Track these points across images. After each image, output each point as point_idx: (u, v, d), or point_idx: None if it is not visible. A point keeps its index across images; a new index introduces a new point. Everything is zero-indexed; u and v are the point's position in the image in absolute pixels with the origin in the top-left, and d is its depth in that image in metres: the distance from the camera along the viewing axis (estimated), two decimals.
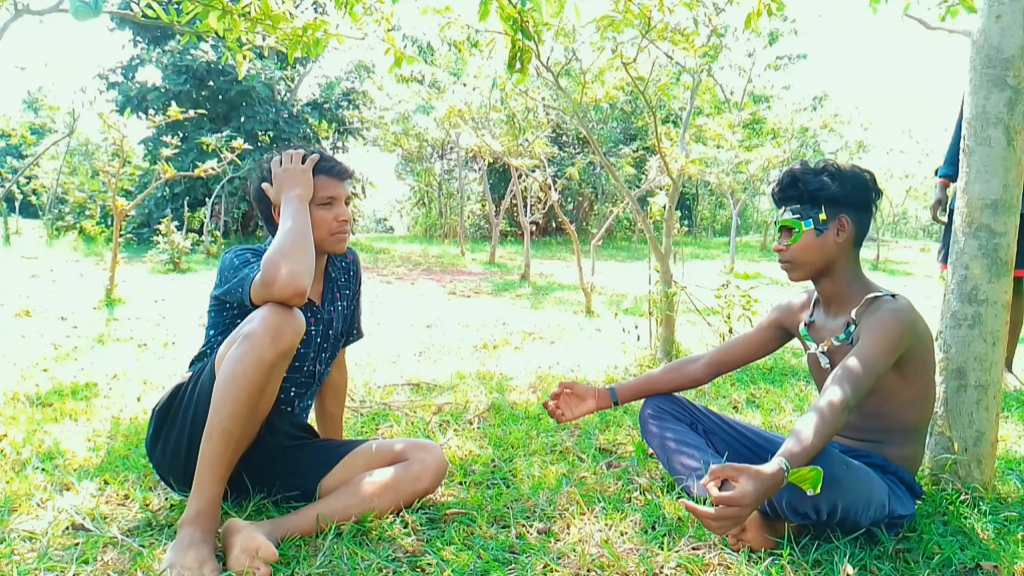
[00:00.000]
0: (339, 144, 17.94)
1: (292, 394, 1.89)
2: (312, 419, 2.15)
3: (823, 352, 1.85)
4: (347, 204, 1.86)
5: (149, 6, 3.12)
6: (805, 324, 1.93)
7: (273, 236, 1.79)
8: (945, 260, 3.42)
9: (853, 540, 1.63)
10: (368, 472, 1.75)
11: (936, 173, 3.54)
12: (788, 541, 1.61)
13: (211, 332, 1.84)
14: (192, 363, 1.85)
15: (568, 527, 1.71)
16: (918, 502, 1.77)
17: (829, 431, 1.50)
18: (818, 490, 1.43)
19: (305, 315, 1.81)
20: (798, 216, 1.79)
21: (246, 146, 7.55)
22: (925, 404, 1.78)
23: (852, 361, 1.61)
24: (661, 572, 1.51)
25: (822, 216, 1.77)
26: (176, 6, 3.11)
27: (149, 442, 1.78)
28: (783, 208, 1.83)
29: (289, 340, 1.57)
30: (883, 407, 1.74)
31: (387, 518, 1.70)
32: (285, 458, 1.82)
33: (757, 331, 2.07)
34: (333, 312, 1.95)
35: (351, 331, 2.09)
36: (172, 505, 1.81)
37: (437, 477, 1.80)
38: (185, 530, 1.50)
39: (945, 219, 3.43)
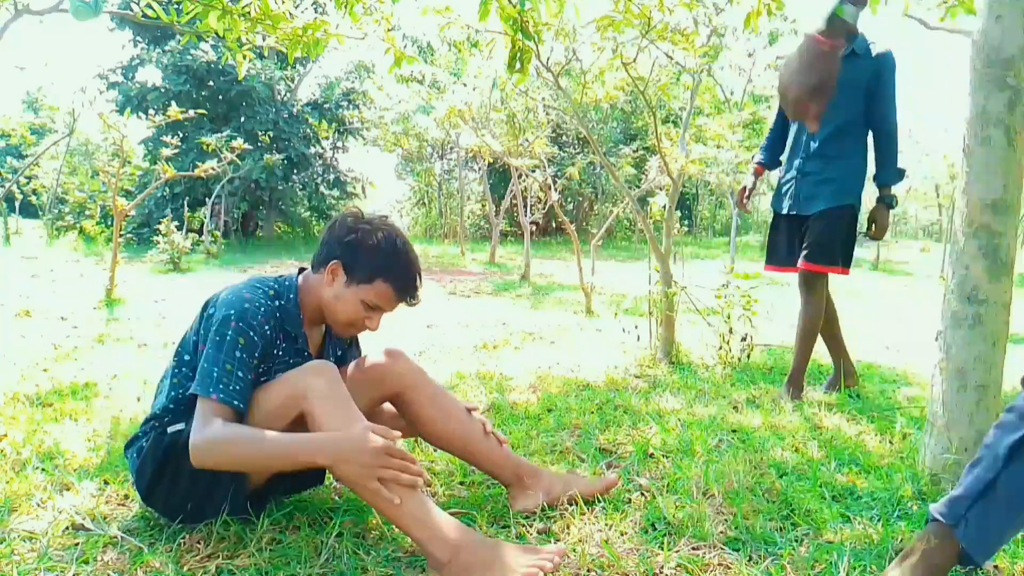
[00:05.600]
0: (339, 144, 17.96)
1: None
2: None
3: None
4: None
5: (149, 6, 3.12)
6: None
7: (318, 254, 1.71)
8: (769, 263, 3.25)
9: (853, 540, 1.63)
10: None
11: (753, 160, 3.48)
12: (788, 543, 1.61)
13: (176, 388, 1.67)
14: (156, 418, 1.67)
15: (568, 527, 1.71)
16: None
17: None
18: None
19: (297, 362, 1.72)
20: None
21: (246, 146, 7.56)
22: None
23: None
24: (661, 572, 1.51)
25: None
26: (176, 6, 3.11)
27: (145, 491, 1.64)
28: None
29: None
30: None
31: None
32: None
33: None
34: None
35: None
36: None
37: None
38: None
39: (750, 208, 3.33)
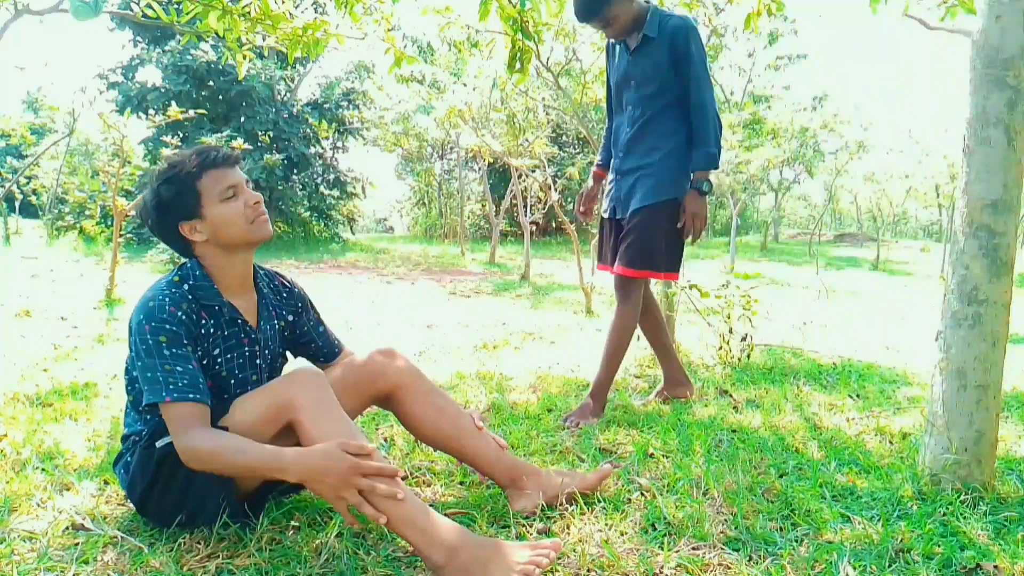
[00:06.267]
0: (339, 144, 17.96)
1: None
2: None
3: None
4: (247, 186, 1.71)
5: (149, 6, 3.12)
6: None
7: (178, 252, 1.72)
8: (600, 263, 2.98)
9: (853, 540, 1.63)
10: None
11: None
12: (788, 543, 1.61)
13: (136, 404, 1.68)
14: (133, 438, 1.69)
15: (568, 527, 1.71)
16: None
17: None
18: None
19: (239, 337, 1.73)
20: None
21: (246, 146, 7.55)
22: None
23: None
24: (661, 572, 1.51)
25: None
26: (176, 6, 3.12)
27: (138, 504, 1.68)
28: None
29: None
30: None
31: None
32: None
33: None
34: (269, 331, 1.81)
35: (329, 351, 1.95)
36: None
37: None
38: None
39: (592, 216, 3.04)
